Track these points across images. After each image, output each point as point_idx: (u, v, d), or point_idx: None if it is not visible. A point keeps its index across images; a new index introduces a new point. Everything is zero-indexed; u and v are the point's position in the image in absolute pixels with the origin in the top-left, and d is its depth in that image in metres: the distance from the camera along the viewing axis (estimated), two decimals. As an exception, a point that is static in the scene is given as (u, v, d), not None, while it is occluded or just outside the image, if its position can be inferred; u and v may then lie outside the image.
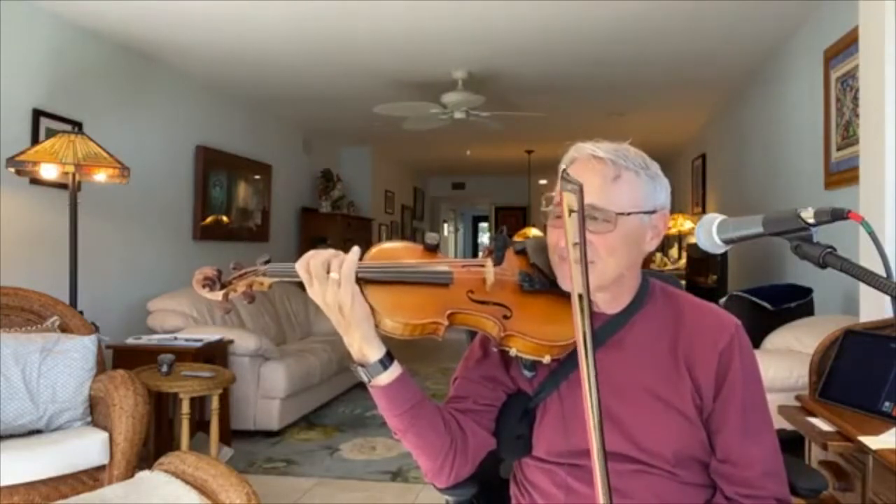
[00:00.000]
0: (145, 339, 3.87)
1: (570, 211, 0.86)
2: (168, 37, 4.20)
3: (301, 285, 1.07)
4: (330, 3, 3.64)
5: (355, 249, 1.06)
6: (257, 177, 6.23)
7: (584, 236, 0.85)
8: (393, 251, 1.13)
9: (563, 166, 1.16)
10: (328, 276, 1.04)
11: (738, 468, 1.10)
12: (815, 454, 2.01)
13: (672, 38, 4.17)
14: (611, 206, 1.08)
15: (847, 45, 3.17)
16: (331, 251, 1.07)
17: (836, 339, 2.12)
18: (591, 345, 0.84)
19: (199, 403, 3.82)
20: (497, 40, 4.25)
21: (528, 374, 1.16)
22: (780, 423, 1.82)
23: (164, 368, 3.24)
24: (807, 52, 3.84)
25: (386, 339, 1.09)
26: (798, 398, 2.17)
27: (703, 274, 5.70)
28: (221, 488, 1.85)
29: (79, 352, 2.77)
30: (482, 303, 1.09)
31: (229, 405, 3.98)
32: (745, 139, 5.40)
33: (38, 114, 3.63)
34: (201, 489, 1.88)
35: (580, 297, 0.88)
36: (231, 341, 4.09)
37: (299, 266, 1.06)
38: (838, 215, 0.86)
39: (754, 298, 3.16)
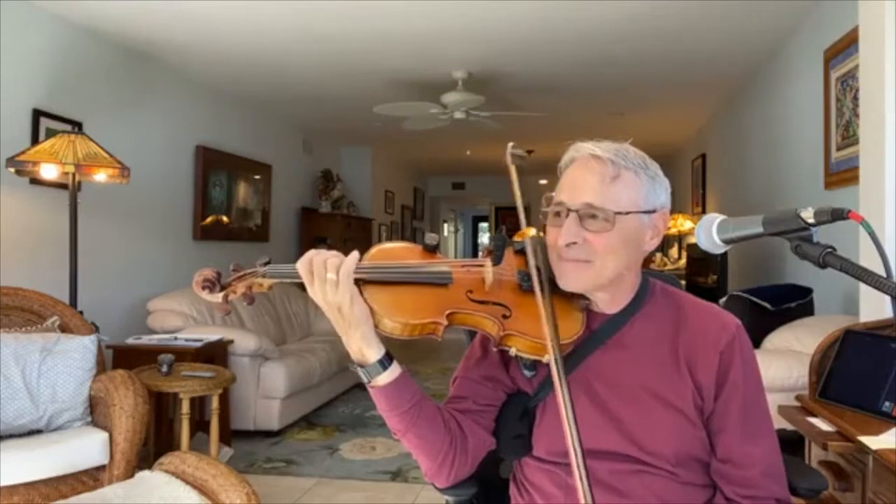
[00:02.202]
0: (145, 339, 3.87)
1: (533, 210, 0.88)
2: (168, 37, 4.20)
3: (301, 286, 1.07)
4: (330, 3, 3.64)
5: (354, 253, 1.07)
6: (257, 177, 6.23)
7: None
8: (392, 251, 1.13)
9: (562, 166, 1.17)
10: (328, 277, 1.04)
11: (738, 468, 1.10)
12: (815, 454, 2.01)
13: (672, 38, 4.17)
14: (609, 206, 1.08)
15: (847, 45, 3.17)
16: (332, 252, 1.07)
17: (836, 339, 2.12)
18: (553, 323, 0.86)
19: (199, 403, 3.82)
20: (497, 40, 4.25)
21: (527, 373, 1.16)
22: (780, 423, 1.82)
23: (164, 368, 3.24)
24: (807, 52, 3.84)
25: (385, 340, 1.09)
26: (798, 398, 2.17)
27: (703, 274, 5.70)
28: (221, 488, 1.85)
29: (79, 352, 2.77)
30: (481, 302, 1.09)
31: (229, 405, 3.98)
32: (745, 139, 5.40)
33: (38, 114, 3.63)
34: (201, 489, 1.88)
35: (538, 269, 1.05)
36: (231, 341, 4.09)
37: (301, 264, 1.06)
38: (838, 215, 0.86)
39: (754, 298, 3.16)
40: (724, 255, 4.89)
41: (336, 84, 5.33)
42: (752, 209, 4.80)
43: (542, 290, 1.02)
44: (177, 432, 3.40)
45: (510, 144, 1.11)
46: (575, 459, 0.81)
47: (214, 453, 3.30)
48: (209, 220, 5.43)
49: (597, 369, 1.13)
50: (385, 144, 8.61)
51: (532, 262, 1.07)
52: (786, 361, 2.51)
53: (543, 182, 11.00)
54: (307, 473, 3.58)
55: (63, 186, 3.50)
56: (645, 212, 1.11)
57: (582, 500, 0.80)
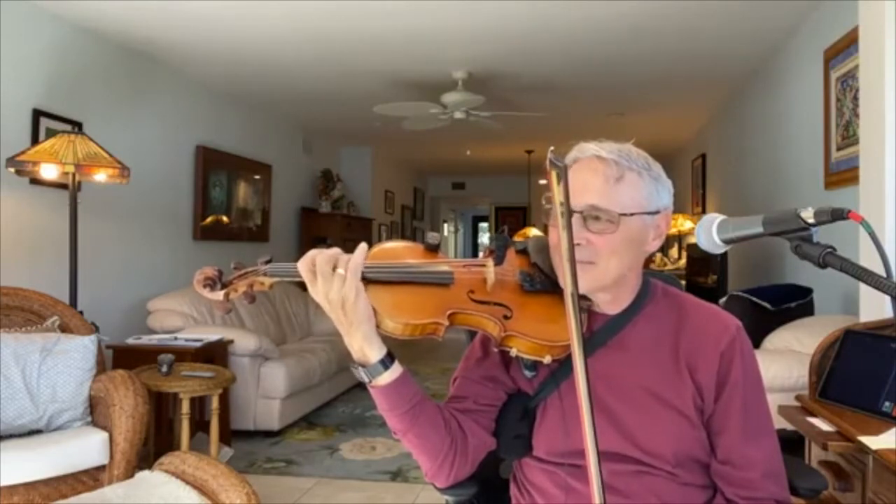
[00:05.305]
0: (145, 339, 3.87)
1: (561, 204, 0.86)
2: (168, 37, 4.20)
3: (302, 285, 1.06)
4: (330, 3, 3.64)
5: (363, 246, 1.05)
6: (257, 177, 6.23)
7: (570, 218, 0.84)
8: (393, 251, 1.13)
9: (566, 165, 1.16)
10: (334, 273, 1.03)
11: (738, 470, 1.10)
12: (815, 454, 2.01)
13: (672, 37, 4.17)
14: (613, 207, 1.07)
15: (847, 45, 3.17)
16: (336, 249, 1.06)
17: (836, 339, 2.12)
18: (580, 332, 0.84)
19: (199, 403, 3.82)
20: (497, 40, 4.25)
21: (528, 374, 1.16)
22: (780, 423, 1.82)
23: (164, 368, 3.24)
24: (807, 52, 3.84)
25: (386, 339, 1.08)
26: (798, 398, 2.17)
27: (703, 274, 5.70)
28: (221, 488, 1.85)
29: (79, 352, 2.77)
30: (483, 303, 1.09)
31: (229, 405, 3.98)
32: (745, 139, 5.40)
33: (38, 114, 3.63)
34: (201, 489, 1.88)
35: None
36: (231, 341, 4.09)
37: (302, 263, 1.05)
38: (838, 215, 0.86)
39: (754, 298, 3.16)
40: (724, 255, 4.90)
41: (336, 84, 5.33)
42: (752, 209, 4.80)
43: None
44: (177, 432, 3.40)
45: (550, 149, 0.98)
46: (591, 457, 0.81)
47: (214, 453, 3.30)
48: (209, 220, 5.43)
49: (597, 370, 1.13)
50: (385, 144, 8.61)
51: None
52: (786, 361, 2.51)
53: (543, 182, 11.01)
54: (307, 473, 3.58)
55: (63, 186, 3.50)
56: (648, 213, 1.11)
57: (596, 500, 0.80)
